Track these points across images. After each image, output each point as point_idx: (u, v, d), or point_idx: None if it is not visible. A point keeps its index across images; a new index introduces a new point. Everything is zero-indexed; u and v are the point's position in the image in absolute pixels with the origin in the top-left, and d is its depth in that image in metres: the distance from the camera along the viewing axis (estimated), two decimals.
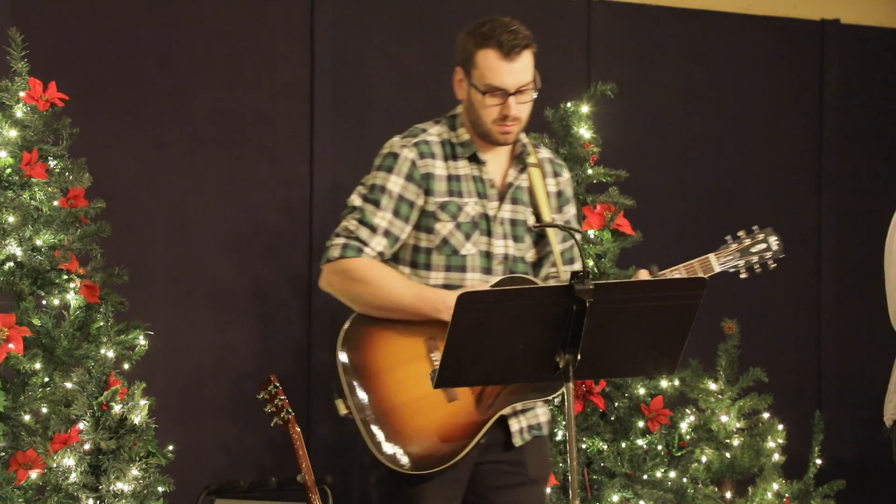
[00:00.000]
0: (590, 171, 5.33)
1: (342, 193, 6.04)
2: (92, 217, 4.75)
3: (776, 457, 5.43)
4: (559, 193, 3.77)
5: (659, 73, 6.80)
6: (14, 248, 4.58)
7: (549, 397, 3.62)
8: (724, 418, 5.36)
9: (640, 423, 5.17)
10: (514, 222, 3.67)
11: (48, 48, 5.36)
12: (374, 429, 3.49)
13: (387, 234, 3.58)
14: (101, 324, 4.61)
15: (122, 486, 4.43)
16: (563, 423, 5.05)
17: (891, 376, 4.30)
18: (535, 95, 3.62)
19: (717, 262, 3.82)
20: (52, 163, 4.67)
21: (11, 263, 4.60)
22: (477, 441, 3.53)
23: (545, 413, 3.72)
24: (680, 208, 6.80)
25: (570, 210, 3.80)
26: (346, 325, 3.56)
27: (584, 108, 5.36)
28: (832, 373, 7.09)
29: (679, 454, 5.23)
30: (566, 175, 3.80)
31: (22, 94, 4.65)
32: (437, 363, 3.48)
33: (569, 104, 5.38)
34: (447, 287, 3.59)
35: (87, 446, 4.44)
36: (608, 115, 5.57)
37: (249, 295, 5.89)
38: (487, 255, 3.62)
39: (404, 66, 6.21)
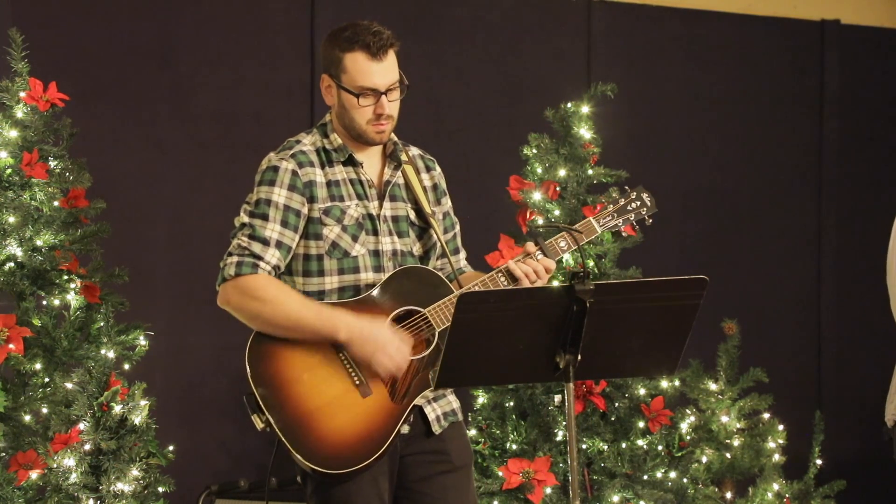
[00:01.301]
0: (590, 172, 5.33)
1: None
2: (92, 217, 4.75)
3: (776, 457, 5.43)
4: (434, 187, 3.85)
5: (659, 74, 6.80)
6: (14, 249, 4.58)
7: None
8: (724, 419, 5.36)
9: (641, 424, 5.17)
10: (395, 219, 3.73)
11: (48, 48, 5.36)
12: (296, 437, 3.52)
13: (279, 245, 3.61)
14: (102, 324, 4.61)
15: (123, 486, 4.43)
16: (564, 423, 5.05)
17: (892, 376, 4.29)
18: (403, 94, 3.70)
19: (597, 224, 3.90)
20: (52, 163, 4.67)
21: (12, 264, 4.60)
22: (398, 430, 3.58)
23: (455, 399, 3.78)
24: (680, 208, 6.81)
25: (447, 202, 3.89)
26: (250, 339, 3.59)
27: (585, 109, 5.35)
28: (832, 373, 7.10)
29: (679, 454, 5.23)
30: (438, 169, 3.89)
31: (22, 94, 4.65)
32: (347, 362, 3.56)
33: (569, 104, 5.38)
34: (342, 290, 3.64)
35: (87, 447, 4.44)
36: (608, 115, 5.57)
37: None
38: (377, 254, 3.68)
39: (404, 67, 6.20)
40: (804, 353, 7.07)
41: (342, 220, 3.65)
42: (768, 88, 7.01)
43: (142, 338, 4.76)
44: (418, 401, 3.63)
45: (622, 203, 3.97)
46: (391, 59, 3.69)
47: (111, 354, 4.55)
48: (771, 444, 5.42)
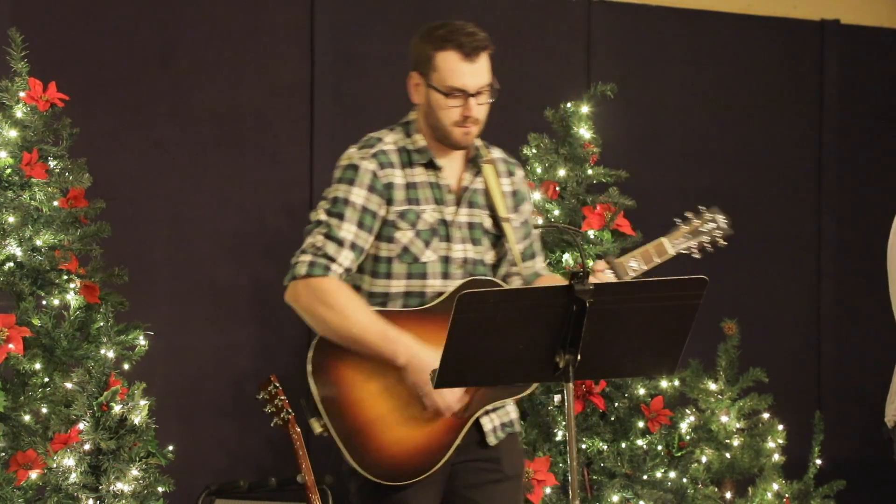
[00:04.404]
0: (590, 172, 5.33)
1: None
2: (92, 217, 4.75)
3: (776, 457, 5.43)
4: (514, 193, 3.79)
5: (659, 73, 6.80)
6: (14, 249, 4.58)
7: (520, 396, 3.67)
8: (724, 418, 5.36)
9: (640, 424, 5.17)
10: (471, 226, 3.68)
11: (48, 48, 5.36)
12: (354, 444, 3.50)
13: (353, 246, 3.57)
14: (101, 324, 4.61)
15: (122, 486, 4.43)
16: (564, 423, 5.05)
17: (892, 377, 4.29)
18: (493, 99, 3.64)
19: (670, 245, 3.86)
20: (52, 163, 4.67)
21: (11, 264, 4.60)
22: (457, 444, 3.56)
23: (514, 410, 3.75)
24: (680, 208, 6.78)
25: (527, 208, 3.82)
26: (314, 342, 3.56)
27: (585, 109, 5.36)
28: (832, 373, 7.09)
29: (679, 454, 5.23)
30: (520, 174, 3.83)
31: (22, 94, 4.65)
32: None
33: (569, 104, 5.38)
34: (407, 294, 3.60)
35: (87, 446, 4.44)
36: (608, 115, 5.57)
37: (249, 295, 5.89)
38: (447, 260, 3.63)
39: (404, 66, 6.18)
40: (804, 353, 7.07)
41: (416, 225, 3.60)
42: (768, 88, 7.01)
43: (141, 338, 4.76)
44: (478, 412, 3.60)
45: (696, 224, 3.91)
46: (484, 61, 3.62)
47: (111, 354, 4.55)
48: (771, 444, 5.42)
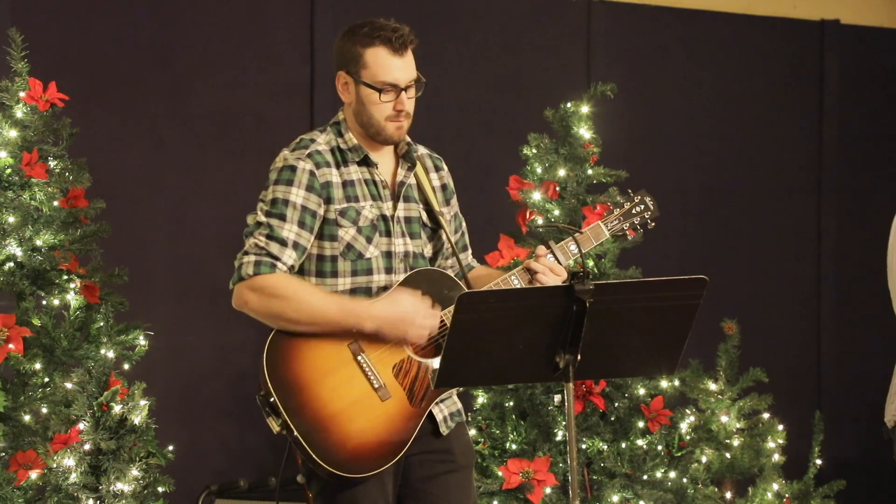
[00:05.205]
0: (590, 172, 5.33)
1: None
2: (92, 217, 4.75)
3: (776, 457, 5.43)
4: (443, 187, 3.87)
5: (659, 73, 6.80)
6: (14, 249, 4.58)
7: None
8: (724, 418, 5.36)
9: (640, 424, 5.17)
10: (408, 220, 3.74)
11: (48, 48, 5.36)
12: (316, 441, 3.52)
13: (296, 246, 3.60)
14: (101, 324, 4.61)
15: (122, 486, 4.43)
16: (564, 423, 5.05)
17: (892, 377, 4.30)
18: (419, 92, 3.73)
19: (605, 229, 3.93)
20: (52, 163, 4.67)
21: (11, 263, 4.60)
22: (417, 433, 3.60)
23: (458, 399, 3.80)
24: (680, 208, 6.81)
25: (456, 202, 3.91)
26: (267, 343, 3.58)
27: (584, 109, 5.35)
28: (832, 373, 7.10)
29: (679, 454, 5.23)
30: (445, 168, 3.90)
31: (22, 94, 4.64)
32: (365, 366, 3.57)
33: (569, 104, 5.38)
34: (353, 291, 3.64)
35: (87, 446, 4.44)
36: (608, 115, 5.57)
37: None
38: (389, 255, 3.68)
39: None
40: (804, 354, 7.07)
41: (357, 222, 3.65)
42: (768, 88, 7.01)
43: (142, 338, 4.76)
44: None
45: (627, 207, 3.99)
46: (410, 55, 3.71)
47: (111, 354, 4.55)
48: (771, 444, 5.42)
